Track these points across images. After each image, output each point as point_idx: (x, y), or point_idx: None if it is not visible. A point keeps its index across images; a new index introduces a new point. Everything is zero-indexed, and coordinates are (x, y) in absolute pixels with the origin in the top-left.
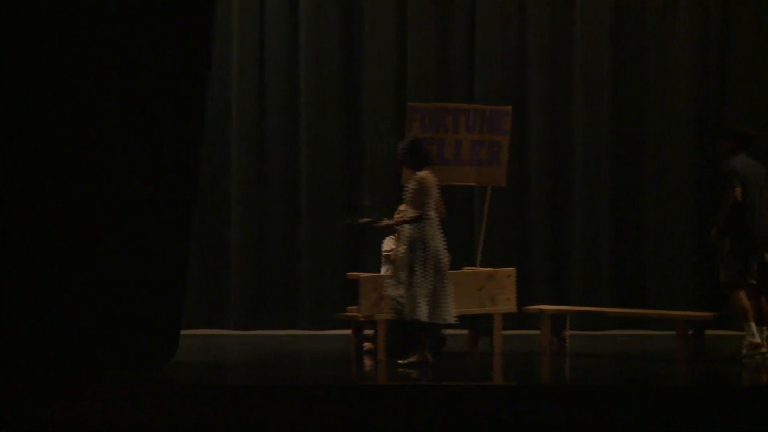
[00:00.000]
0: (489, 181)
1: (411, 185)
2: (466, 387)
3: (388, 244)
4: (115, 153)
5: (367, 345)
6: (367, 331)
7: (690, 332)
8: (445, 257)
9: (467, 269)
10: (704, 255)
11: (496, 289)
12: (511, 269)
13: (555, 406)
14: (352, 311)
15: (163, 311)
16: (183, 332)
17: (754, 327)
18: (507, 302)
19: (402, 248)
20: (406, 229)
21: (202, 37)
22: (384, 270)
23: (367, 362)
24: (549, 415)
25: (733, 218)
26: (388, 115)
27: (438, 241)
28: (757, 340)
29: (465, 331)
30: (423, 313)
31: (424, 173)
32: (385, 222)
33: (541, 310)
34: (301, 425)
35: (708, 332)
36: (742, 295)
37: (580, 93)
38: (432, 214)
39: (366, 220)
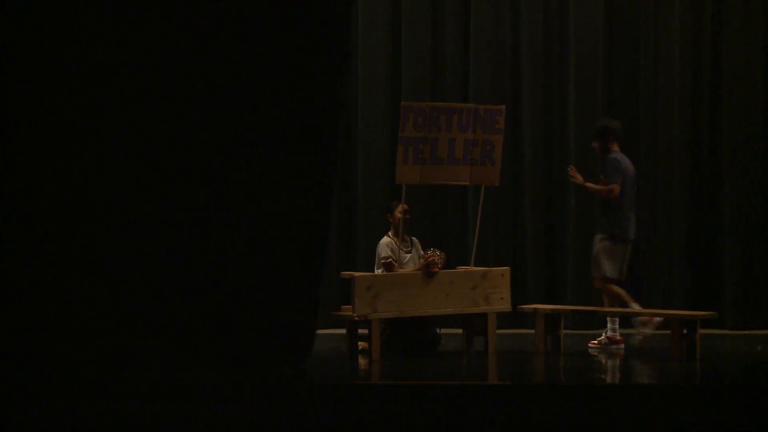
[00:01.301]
0: (482, 181)
1: None
2: (461, 386)
3: (384, 250)
4: (254, 156)
5: (361, 344)
6: (362, 331)
7: (684, 331)
8: None
9: (461, 268)
10: (697, 254)
11: (490, 289)
12: (505, 268)
13: (550, 405)
14: (347, 310)
15: (301, 308)
16: None
17: (618, 323)
18: (501, 301)
19: None
20: None
21: (342, 41)
22: (378, 272)
23: (362, 361)
24: (543, 414)
25: (610, 216)
26: (381, 115)
27: None
28: (618, 336)
29: (459, 331)
30: None
31: None
32: None
33: (536, 310)
34: (295, 425)
35: (702, 331)
36: (621, 290)
37: (573, 92)
38: None
39: None
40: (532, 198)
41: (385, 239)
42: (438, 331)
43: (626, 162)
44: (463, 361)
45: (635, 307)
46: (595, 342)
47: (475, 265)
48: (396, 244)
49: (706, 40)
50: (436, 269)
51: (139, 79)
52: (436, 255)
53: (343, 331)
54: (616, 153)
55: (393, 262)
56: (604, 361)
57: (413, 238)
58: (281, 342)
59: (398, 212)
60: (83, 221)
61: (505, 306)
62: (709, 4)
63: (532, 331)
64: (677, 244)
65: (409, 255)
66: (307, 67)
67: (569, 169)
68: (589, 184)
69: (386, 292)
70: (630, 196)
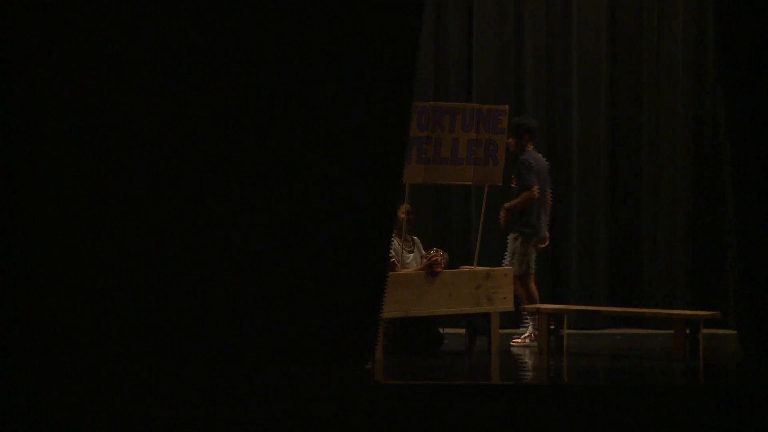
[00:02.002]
0: (485, 181)
1: None
2: (464, 386)
3: None
4: (320, 152)
5: None
6: None
7: (687, 331)
8: None
9: (464, 268)
10: (700, 254)
11: (493, 288)
12: (508, 268)
13: (552, 405)
14: None
15: (366, 304)
16: None
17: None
18: (504, 301)
19: None
20: None
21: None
22: None
23: None
24: (546, 414)
25: (520, 216)
26: None
27: None
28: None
29: (462, 330)
30: None
31: None
32: None
33: (539, 309)
34: (297, 425)
35: (705, 331)
36: (533, 287)
37: (576, 92)
38: None
39: None
40: None
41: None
42: (441, 330)
43: (539, 162)
44: (466, 360)
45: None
46: (518, 340)
47: (478, 265)
48: (398, 244)
49: (710, 38)
50: (439, 269)
51: (206, 75)
52: (438, 255)
53: None
54: (528, 153)
55: (396, 262)
56: (607, 361)
57: (414, 237)
58: (346, 341)
59: (401, 212)
60: (134, 220)
61: (508, 306)
62: (712, 2)
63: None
64: (680, 243)
65: (411, 255)
66: (376, 64)
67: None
68: (508, 204)
69: (389, 291)
70: (541, 196)
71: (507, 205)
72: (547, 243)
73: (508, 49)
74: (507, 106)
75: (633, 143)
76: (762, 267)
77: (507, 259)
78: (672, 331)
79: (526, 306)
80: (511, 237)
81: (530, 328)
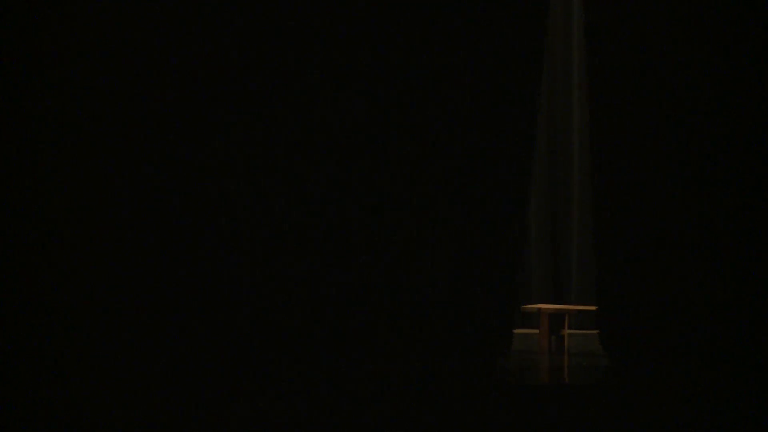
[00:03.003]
0: None
1: None
2: (464, 386)
3: None
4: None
5: None
6: None
7: None
8: None
9: None
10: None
11: None
12: None
13: (554, 405)
14: None
15: (501, 297)
16: None
17: None
18: None
19: None
20: None
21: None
22: None
23: None
24: (547, 414)
25: None
26: None
27: None
28: None
29: None
30: None
31: None
32: None
33: (540, 309)
34: (295, 425)
35: None
36: None
37: (576, 92)
38: None
39: None
40: (536, 198)
41: None
42: None
43: None
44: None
45: None
46: None
47: None
48: None
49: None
50: None
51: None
52: None
53: None
54: None
55: None
56: (607, 361)
57: None
58: (479, 335)
59: None
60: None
61: None
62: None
63: (537, 331)
64: None
65: None
66: (501, 74)
67: None
68: None
69: None
70: None
71: None
72: None
73: None
74: None
75: None
76: (620, 266)
77: None
78: None
79: (525, 306)
80: None
81: None
